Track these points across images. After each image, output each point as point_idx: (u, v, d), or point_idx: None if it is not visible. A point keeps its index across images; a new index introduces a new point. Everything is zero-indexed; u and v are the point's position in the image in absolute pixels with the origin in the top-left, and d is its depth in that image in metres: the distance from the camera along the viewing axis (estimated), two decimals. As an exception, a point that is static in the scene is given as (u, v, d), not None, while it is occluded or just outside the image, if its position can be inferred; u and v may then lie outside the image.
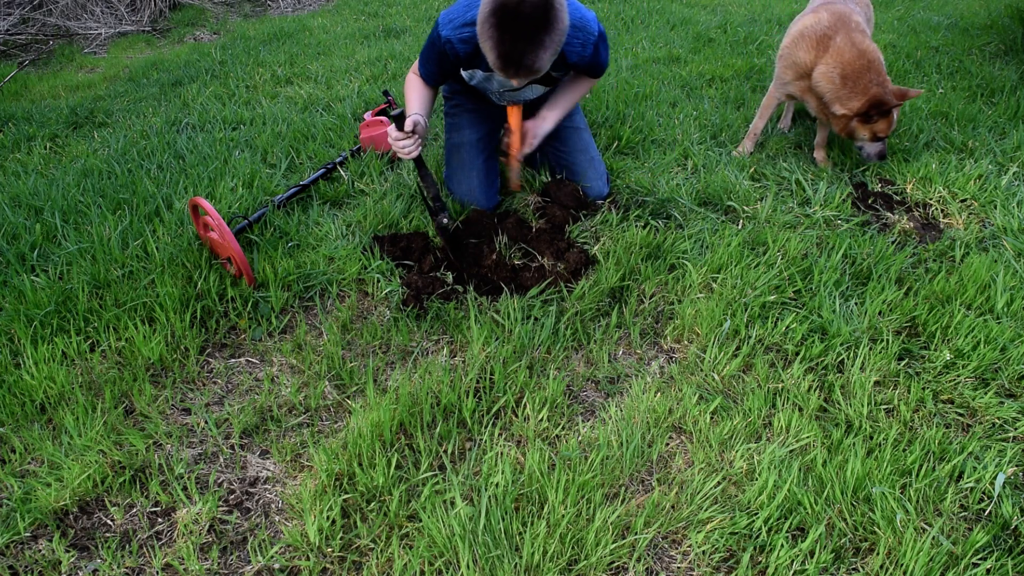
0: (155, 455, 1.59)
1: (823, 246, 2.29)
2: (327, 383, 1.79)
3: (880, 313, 1.99)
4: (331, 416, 1.72)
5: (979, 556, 1.36)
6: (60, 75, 4.86)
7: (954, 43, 4.38)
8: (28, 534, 1.42)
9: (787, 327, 1.92)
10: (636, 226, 2.34)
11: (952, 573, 1.32)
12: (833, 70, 2.46)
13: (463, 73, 2.32)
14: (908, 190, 2.64)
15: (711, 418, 1.67)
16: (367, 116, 2.98)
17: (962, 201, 2.55)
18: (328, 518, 1.42)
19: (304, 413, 1.72)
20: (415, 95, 2.29)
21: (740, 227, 2.38)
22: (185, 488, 1.52)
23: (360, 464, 1.53)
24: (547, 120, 2.37)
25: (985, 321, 1.94)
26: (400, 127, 2.07)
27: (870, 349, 1.86)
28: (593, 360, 1.88)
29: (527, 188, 2.66)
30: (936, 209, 2.54)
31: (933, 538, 1.37)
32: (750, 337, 1.89)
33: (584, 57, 2.16)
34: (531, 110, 2.89)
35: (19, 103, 4.13)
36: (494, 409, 1.70)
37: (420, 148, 2.15)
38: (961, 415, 1.70)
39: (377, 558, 1.37)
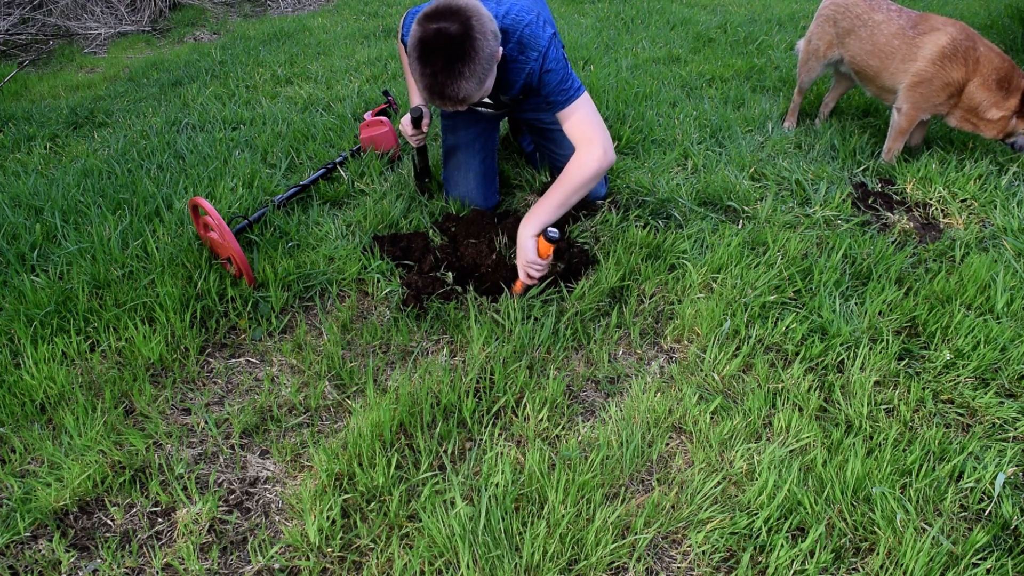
0: (155, 455, 1.59)
1: (823, 246, 2.29)
2: (327, 383, 1.79)
3: (880, 313, 1.99)
4: (331, 416, 1.72)
5: (979, 556, 1.36)
6: (60, 75, 4.86)
7: (954, 43, 4.38)
8: (28, 534, 1.42)
9: (787, 327, 1.92)
10: (636, 226, 2.34)
11: (952, 573, 1.32)
12: (990, 78, 2.59)
13: None
14: (908, 190, 2.64)
15: (711, 418, 1.67)
16: (367, 116, 2.98)
17: (962, 201, 2.55)
18: (328, 518, 1.42)
19: (304, 413, 1.72)
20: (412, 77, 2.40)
21: (740, 227, 2.38)
22: (185, 488, 1.52)
23: (360, 464, 1.53)
24: (527, 239, 2.03)
25: (985, 321, 1.94)
26: (416, 125, 2.36)
27: (870, 349, 1.86)
28: (593, 360, 1.88)
29: (527, 188, 2.66)
30: (936, 209, 2.54)
31: (933, 538, 1.37)
32: (750, 337, 1.88)
33: (533, 72, 2.04)
34: (514, 123, 2.91)
35: (19, 103, 4.13)
36: (494, 409, 1.70)
37: (425, 137, 2.47)
38: (961, 415, 1.70)
39: (377, 558, 1.37)
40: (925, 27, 2.70)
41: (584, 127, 2.09)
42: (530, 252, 2.00)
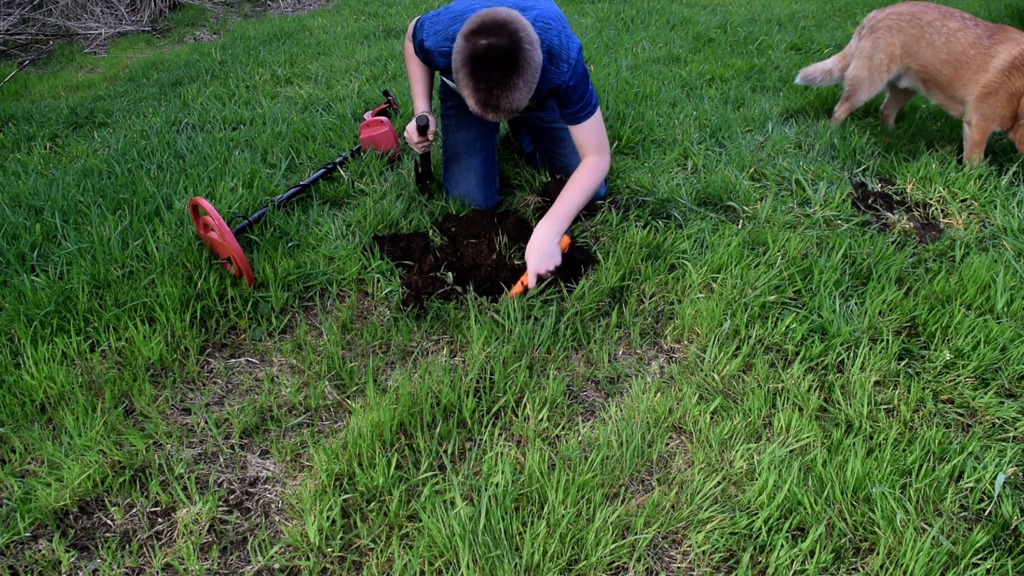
0: (155, 455, 1.59)
1: (823, 246, 2.29)
2: (327, 383, 1.79)
3: (880, 313, 1.99)
4: (331, 416, 1.72)
5: (979, 556, 1.36)
6: (60, 75, 4.86)
7: (954, 43, 4.38)
8: (28, 534, 1.42)
9: (787, 327, 1.92)
10: (636, 226, 2.34)
11: (952, 573, 1.32)
12: None
13: (444, 80, 2.39)
14: (908, 190, 2.64)
15: (711, 418, 1.67)
16: (367, 116, 2.98)
17: (962, 201, 2.55)
18: (328, 518, 1.42)
19: (304, 413, 1.72)
20: (418, 80, 2.41)
21: (740, 227, 2.38)
22: (185, 488, 1.52)
23: (360, 464, 1.53)
24: (542, 243, 2.07)
25: (985, 321, 1.94)
26: (423, 133, 2.34)
27: (870, 349, 1.86)
28: (593, 360, 1.88)
29: (527, 188, 2.66)
30: (936, 209, 2.54)
31: (933, 538, 1.37)
32: (750, 337, 1.88)
33: (561, 84, 2.07)
34: (514, 123, 2.91)
35: (19, 103, 4.13)
36: (494, 409, 1.70)
37: (430, 145, 2.45)
38: (961, 415, 1.70)
39: (377, 558, 1.37)
40: (1001, 37, 2.66)
41: (595, 139, 2.20)
42: (556, 257, 2.07)
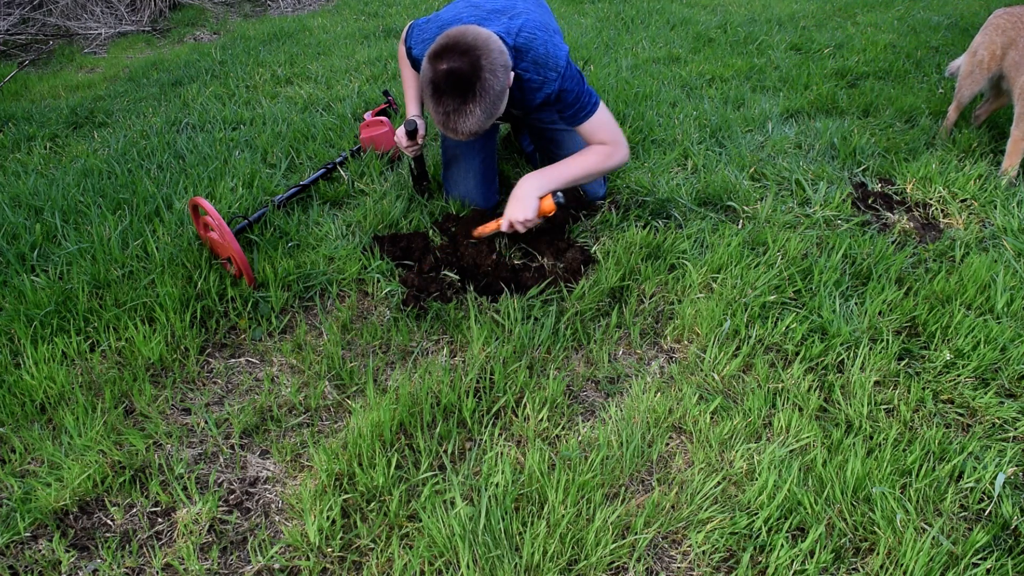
0: (155, 455, 1.59)
1: (823, 246, 2.29)
2: (327, 383, 1.79)
3: (880, 313, 1.99)
4: (331, 416, 1.72)
5: (979, 556, 1.36)
6: (60, 75, 4.86)
7: (954, 43, 4.38)
8: (28, 534, 1.42)
9: (787, 327, 1.92)
10: (636, 226, 2.34)
11: (952, 573, 1.32)
12: None
13: None
14: (908, 190, 2.64)
15: (711, 418, 1.67)
16: (367, 116, 2.98)
17: (962, 201, 2.55)
18: (328, 518, 1.42)
19: (304, 413, 1.72)
20: (410, 84, 2.44)
21: (740, 227, 2.38)
22: (185, 488, 1.52)
23: (360, 464, 1.53)
24: (527, 194, 2.06)
25: (985, 321, 1.94)
26: (412, 137, 2.33)
27: (870, 349, 1.86)
28: (593, 360, 1.88)
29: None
30: (936, 209, 2.54)
31: (933, 538, 1.37)
32: (750, 337, 1.88)
33: (552, 92, 2.06)
34: (515, 123, 2.91)
35: (19, 103, 4.13)
36: (494, 409, 1.70)
37: (423, 147, 2.44)
38: (961, 415, 1.70)
39: (377, 558, 1.37)
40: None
41: (605, 131, 2.17)
42: (531, 210, 2.04)
